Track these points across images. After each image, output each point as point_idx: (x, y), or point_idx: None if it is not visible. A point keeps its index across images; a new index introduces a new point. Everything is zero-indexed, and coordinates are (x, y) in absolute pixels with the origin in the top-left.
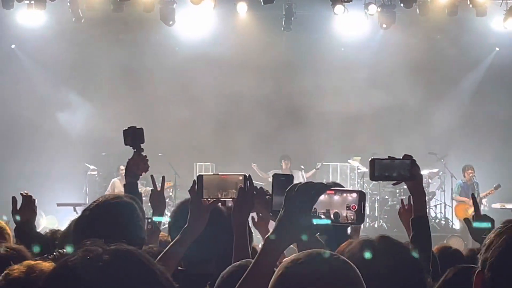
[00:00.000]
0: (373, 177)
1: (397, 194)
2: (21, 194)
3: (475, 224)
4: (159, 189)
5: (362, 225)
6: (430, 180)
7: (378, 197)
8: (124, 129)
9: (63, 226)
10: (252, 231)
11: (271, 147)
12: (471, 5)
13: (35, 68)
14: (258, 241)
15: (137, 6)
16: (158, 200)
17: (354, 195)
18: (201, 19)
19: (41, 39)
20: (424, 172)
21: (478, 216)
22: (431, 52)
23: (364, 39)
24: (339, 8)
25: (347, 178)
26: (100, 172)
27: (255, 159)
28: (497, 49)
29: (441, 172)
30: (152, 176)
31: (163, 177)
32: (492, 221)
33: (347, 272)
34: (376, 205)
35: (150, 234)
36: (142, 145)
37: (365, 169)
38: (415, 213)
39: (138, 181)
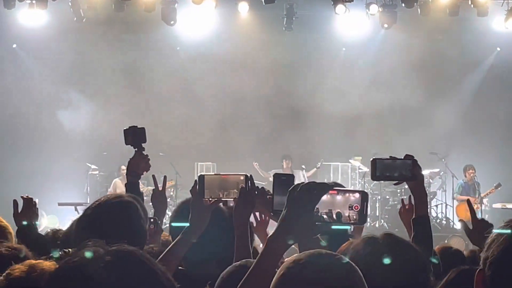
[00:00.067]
0: (375, 177)
1: (398, 194)
2: (22, 197)
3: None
4: (160, 188)
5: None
6: (431, 180)
7: (379, 197)
8: (124, 128)
9: (64, 226)
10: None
11: (272, 147)
12: (472, 5)
13: (36, 67)
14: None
15: (138, 5)
16: (159, 199)
17: (357, 195)
18: (202, 18)
19: (43, 39)
20: (425, 172)
21: (475, 221)
22: (432, 52)
23: (365, 39)
24: (340, 8)
25: (348, 178)
26: (101, 171)
27: (256, 159)
28: (498, 49)
29: (442, 172)
30: (153, 175)
31: (165, 176)
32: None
33: (348, 272)
34: (377, 205)
35: (152, 234)
36: (143, 145)
37: (366, 169)
38: (417, 213)
39: (139, 181)
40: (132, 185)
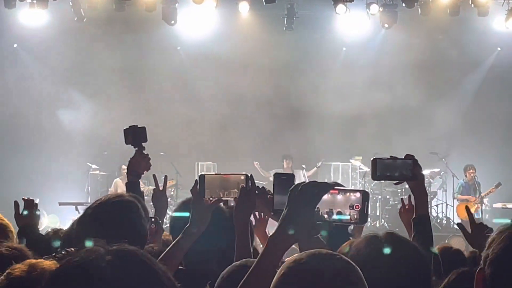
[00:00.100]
0: (375, 176)
1: (399, 194)
2: (23, 199)
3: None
4: (161, 188)
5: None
6: (431, 180)
7: (380, 197)
8: (124, 128)
9: (65, 225)
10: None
11: (273, 147)
12: (473, 5)
13: (37, 67)
14: (258, 241)
15: (139, 5)
16: (160, 199)
17: (358, 194)
18: (203, 18)
19: (43, 39)
20: (425, 171)
21: (474, 225)
22: (433, 52)
23: (366, 39)
24: (341, 7)
25: (348, 177)
26: (102, 171)
27: (257, 159)
28: (499, 49)
29: (443, 172)
30: (154, 175)
31: (165, 176)
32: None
33: (349, 272)
34: (378, 204)
35: (153, 233)
36: (143, 144)
37: (366, 169)
38: (417, 213)
39: (140, 180)
40: (132, 184)
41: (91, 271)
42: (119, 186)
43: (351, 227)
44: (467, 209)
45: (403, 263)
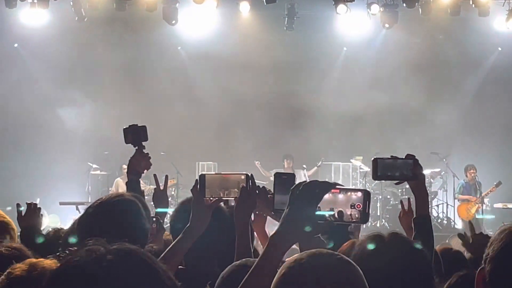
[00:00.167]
0: (376, 176)
1: (399, 194)
2: (26, 203)
3: None
4: (162, 188)
5: (363, 225)
6: (432, 180)
7: (380, 197)
8: (124, 127)
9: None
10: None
11: (274, 147)
12: (473, 5)
13: (37, 67)
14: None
15: (140, 5)
16: (161, 199)
17: (359, 194)
18: (203, 18)
19: (44, 38)
20: (426, 171)
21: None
22: (434, 52)
23: (367, 38)
24: (341, 7)
25: (349, 177)
26: (102, 171)
27: (257, 158)
28: (500, 49)
29: (443, 172)
30: (155, 175)
31: (166, 176)
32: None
33: (349, 272)
34: (378, 204)
35: (155, 233)
36: (144, 144)
37: (367, 169)
38: (418, 213)
39: (140, 179)
40: (132, 183)
41: (92, 270)
42: (120, 185)
43: (351, 226)
44: (470, 224)
45: (407, 263)
